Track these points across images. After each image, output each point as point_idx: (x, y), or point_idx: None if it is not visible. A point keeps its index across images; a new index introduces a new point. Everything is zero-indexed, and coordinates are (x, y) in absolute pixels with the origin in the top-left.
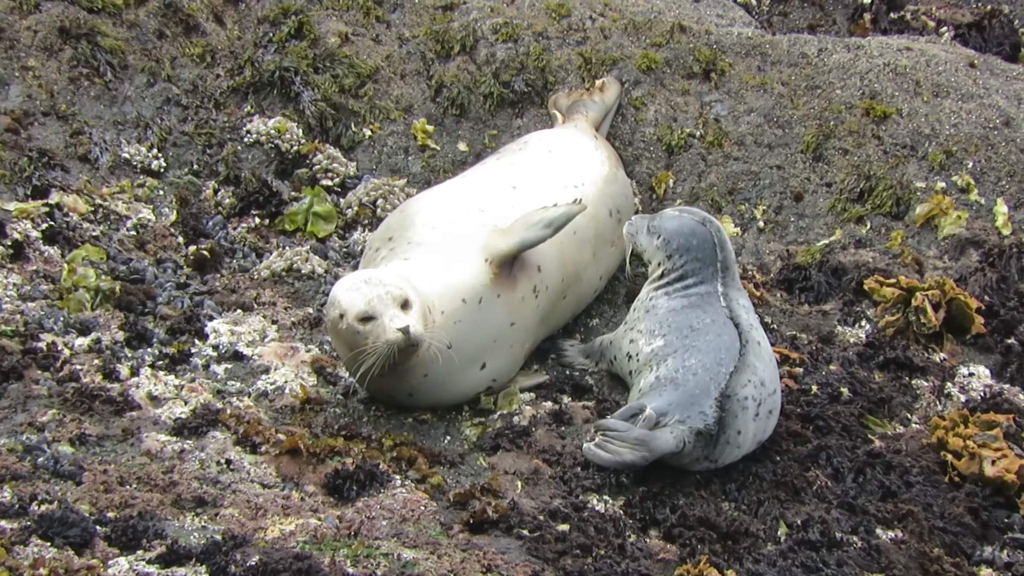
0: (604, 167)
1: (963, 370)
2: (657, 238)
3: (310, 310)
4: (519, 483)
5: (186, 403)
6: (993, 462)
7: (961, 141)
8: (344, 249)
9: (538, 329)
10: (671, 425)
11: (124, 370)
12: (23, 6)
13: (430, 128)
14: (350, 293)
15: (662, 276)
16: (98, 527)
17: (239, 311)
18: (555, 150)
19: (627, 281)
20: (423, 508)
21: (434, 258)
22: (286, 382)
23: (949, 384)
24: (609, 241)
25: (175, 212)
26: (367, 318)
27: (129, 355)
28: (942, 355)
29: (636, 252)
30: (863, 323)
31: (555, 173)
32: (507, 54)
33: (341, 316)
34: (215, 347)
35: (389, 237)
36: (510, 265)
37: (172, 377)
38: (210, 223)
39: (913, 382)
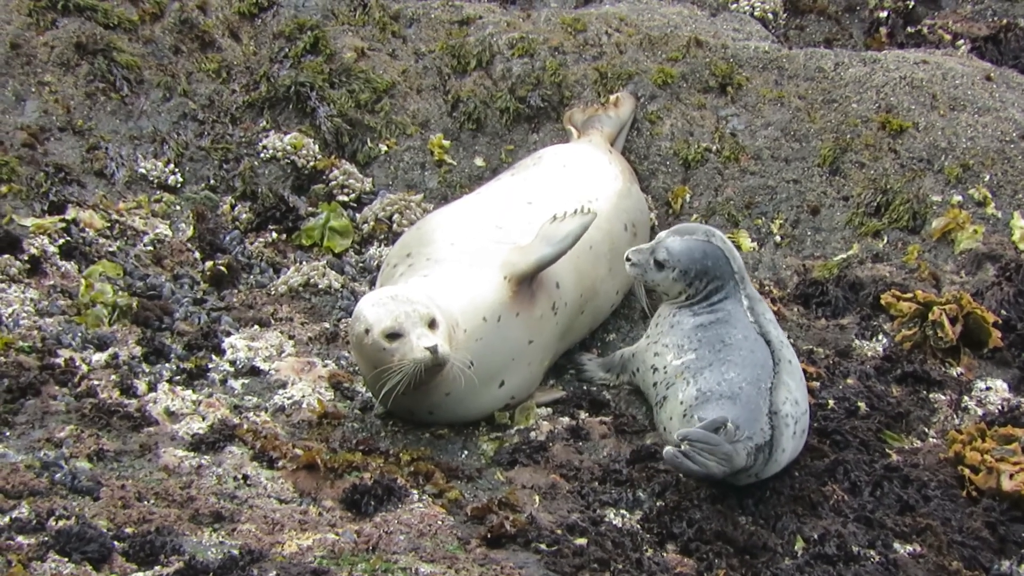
0: (618, 182)
1: (980, 384)
2: (673, 271)
3: (327, 325)
4: (537, 498)
5: (203, 418)
6: (1011, 476)
7: (978, 155)
8: (360, 264)
9: (556, 345)
10: (743, 441)
11: (141, 385)
12: (40, 22)
13: (446, 143)
14: (376, 309)
15: (686, 300)
16: (116, 543)
17: (256, 327)
18: (569, 165)
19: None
20: (441, 523)
21: (453, 275)
22: (303, 397)
23: (966, 398)
24: (625, 256)
25: (192, 227)
26: (393, 335)
27: (146, 370)
28: (959, 369)
29: (649, 288)
30: (880, 337)
31: (569, 188)
32: (523, 69)
33: (366, 331)
34: (232, 362)
35: (407, 253)
36: (529, 283)
37: (189, 392)
38: (227, 238)
39: (930, 396)
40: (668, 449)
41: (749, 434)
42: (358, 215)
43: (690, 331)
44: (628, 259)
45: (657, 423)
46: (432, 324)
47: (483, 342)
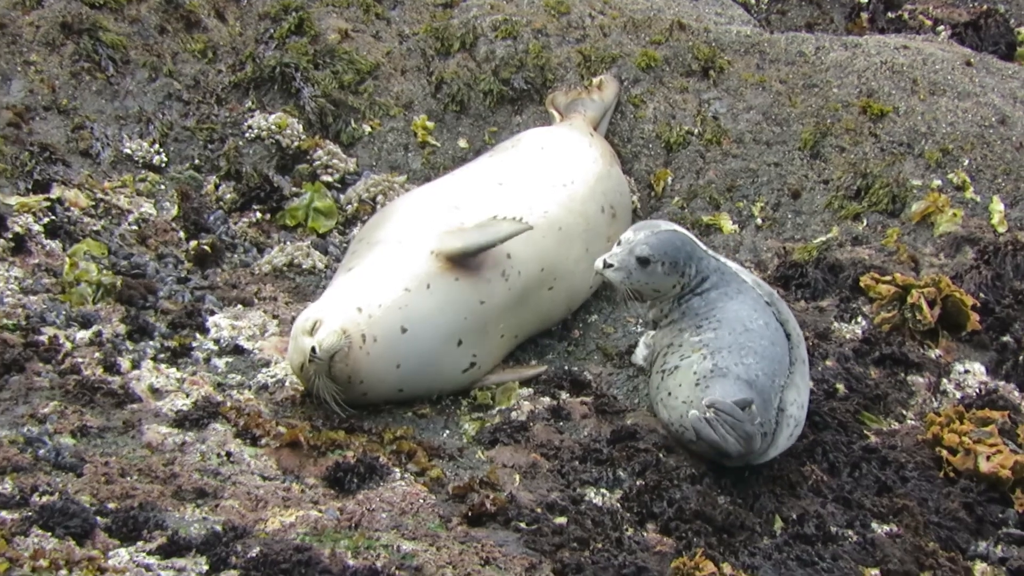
0: (597, 165)
1: (958, 367)
2: (661, 265)
3: (310, 304)
4: (517, 476)
5: (187, 396)
6: (988, 458)
7: (957, 139)
8: (344, 245)
9: (520, 312)
10: (758, 425)
11: (125, 363)
12: (26, 2)
13: (430, 124)
14: (288, 358)
15: (683, 290)
16: (99, 518)
17: (240, 306)
18: (548, 147)
19: (640, 318)
20: (422, 501)
21: (376, 259)
22: (287, 375)
23: (945, 381)
24: (604, 236)
25: (176, 207)
26: (299, 369)
27: (130, 348)
28: (938, 352)
29: (637, 290)
30: (859, 320)
31: (545, 171)
32: (507, 51)
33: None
34: (216, 341)
35: (361, 238)
36: (462, 260)
37: (173, 370)
38: (211, 218)
39: (909, 378)
40: (693, 412)
41: (763, 420)
42: (342, 196)
43: (705, 312)
44: (607, 264)
45: (658, 389)
46: (313, 329)
47: (411, 308)
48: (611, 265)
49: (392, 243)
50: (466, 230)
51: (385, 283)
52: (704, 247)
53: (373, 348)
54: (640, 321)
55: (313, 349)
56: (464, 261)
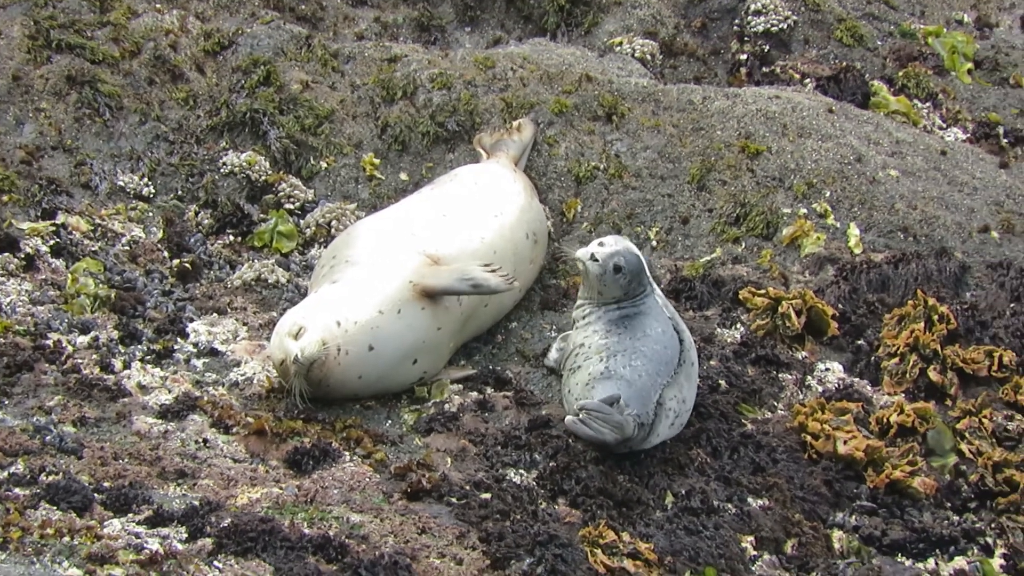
0: (521, 197)
1: (821, 366)
2: (625, 278)
3: (275, 314)
4: (449, 459)
5: (170, 391)
6: (845, 442)
7: (820, 174)
8: (303, 263)
9: (463, 330)
10: (631, 415)
11: (118, 363)
12: (37, 58)
13: (377, 161)
14: (270, 351)
15: (615, 301)
16: (96, 494)
17: (215, 314)
18: (480, 182)
19: (554, 325)
20: (368, 479)
21: (358, 277)
22: (254, 374)
23: (809, 377)
24: (528, 259)
25: (162, 231)
26: (279, 363)
27: (122, 351)
28: (803, 353)
29: (596, 284)
30: (738, 326)
31: (479, 203)
32: (442, 99)
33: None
34: (195, 345)
35: (333, 255)
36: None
37: (158, 370)
38: (191, 240)
39: (779, 375)
40: (569, 418)
41: (637, 412)
42: (302, 221)
43: (617, 320)
44: (593, 257)
45: (563, 387)
46: (298, 333)
47: (382, 329)
48: (597, 261)
49: (372, 265)
50: (445, 271)
51: (363, 302)
52: (649, 273)
53: (344, 360)
54: (554, 328)
55: (296, 356)
56: (435, 295)
